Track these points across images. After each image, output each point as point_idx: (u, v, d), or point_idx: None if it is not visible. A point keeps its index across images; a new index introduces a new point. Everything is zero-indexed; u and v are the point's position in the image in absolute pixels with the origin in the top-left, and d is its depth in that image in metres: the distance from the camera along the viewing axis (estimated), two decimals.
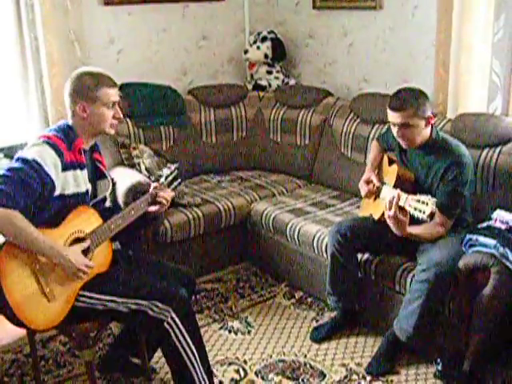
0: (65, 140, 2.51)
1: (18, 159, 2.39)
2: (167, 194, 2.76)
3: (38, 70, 3.95)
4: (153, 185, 2.79)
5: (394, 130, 3.01)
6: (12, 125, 4.02)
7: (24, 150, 2.45)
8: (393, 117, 2.97)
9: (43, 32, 3.84)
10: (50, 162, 2.40)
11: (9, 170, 2.35)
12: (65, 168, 2.46)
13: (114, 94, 2.61)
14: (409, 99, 2.93)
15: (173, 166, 2.91)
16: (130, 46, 4.49)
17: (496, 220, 2.97)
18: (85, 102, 2.54)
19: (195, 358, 2.56)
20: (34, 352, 2.85)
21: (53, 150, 2.43)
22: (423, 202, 2.77)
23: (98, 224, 2.56)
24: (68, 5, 3.98)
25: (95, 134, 2.65)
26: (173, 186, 2.87)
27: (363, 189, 3.35)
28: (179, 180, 2.92)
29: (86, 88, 2.54)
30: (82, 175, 2.56)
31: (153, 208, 2.74)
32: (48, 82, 3.93)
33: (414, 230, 2.97)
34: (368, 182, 3.34)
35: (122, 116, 2.67)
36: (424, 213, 2.75)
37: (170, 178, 2.86)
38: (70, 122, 2.60)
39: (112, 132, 2.66)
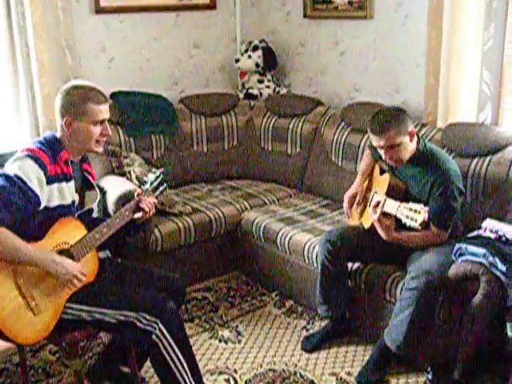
0: (49, 152, 2.46)
1: None
2: (149, 200, 2.73)
3: (29, 78, 3.94)
4: (137, 191, 2.77)
5: (382, 153, 3.04)
6: (2, 133, 4.00)
7: (6, 165, 2.41)
8: (377, 140, 2.99)
9: (34, 39, 3.83)
10: (34, 176, 2.36)
11: None
12: (49, 181, 2.43)
13: (102, 111, 2.54)
14: (388, 120, 2.94)
15: (158, 171, 2.89)
16: (122, 55, 4.49)
17: (485, 229, 2.97)
18: (70, 118, 2.50)
19: (184, 370, 2.54)
20: (24, 361, 2.83)
21: (36, 163, 2.39)
22: (415, 211, 2.78)
23: (82, 235, 2.52)
24: (59, 13, 3.96)
25: (81, 150, 2.60)
26: (159, 191, 2.85)
27: (346, 203, 3.37)
28: (165, 185, 2.89)
29: (73, 103, 2.49)
30: (68, 187, 2.53)
31: (137, 215, 2.72)
32: (39, 89, 3.92)
33: (403, 235, 3.01)
34: (353, 197, 3.35)
35: (110, 133, 2.61)
36: (416, 221, 2.76)
37: (156, 184, 2.83)
38: (58, 135, 2.56)
39: (100, 150, 2.61)
